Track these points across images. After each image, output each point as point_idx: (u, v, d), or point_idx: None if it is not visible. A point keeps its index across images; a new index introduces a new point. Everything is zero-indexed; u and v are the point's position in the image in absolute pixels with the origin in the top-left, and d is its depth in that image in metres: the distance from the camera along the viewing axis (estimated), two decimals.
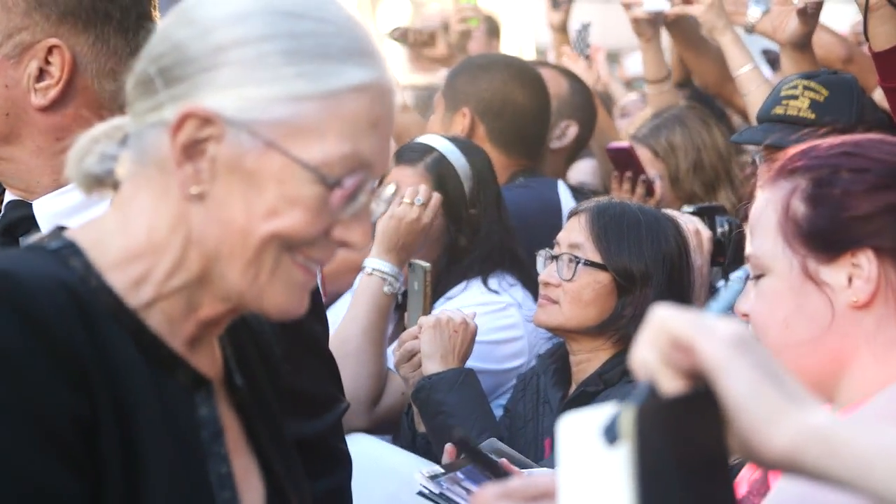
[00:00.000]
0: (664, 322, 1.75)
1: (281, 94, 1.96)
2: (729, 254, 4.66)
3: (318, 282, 2.87)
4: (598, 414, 1.72)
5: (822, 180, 2.46)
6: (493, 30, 8.84)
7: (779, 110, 4.46)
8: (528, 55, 11.69)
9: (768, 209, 2.49)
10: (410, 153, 4.79)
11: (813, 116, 4.32)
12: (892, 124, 4.35)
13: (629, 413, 1.66)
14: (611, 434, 1.67)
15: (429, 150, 4.78)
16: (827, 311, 2.43)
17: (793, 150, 2.55)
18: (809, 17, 4.62)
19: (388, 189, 2.11)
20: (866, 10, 3.85)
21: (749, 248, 2.52)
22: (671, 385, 1.73)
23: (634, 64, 8.77)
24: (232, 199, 1.98)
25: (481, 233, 4.68)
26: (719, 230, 4.76)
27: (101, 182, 2.12)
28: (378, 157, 2.03)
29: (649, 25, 5.89)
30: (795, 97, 4.41)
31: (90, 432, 1.90)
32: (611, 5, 7.63)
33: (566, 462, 1.74)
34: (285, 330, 2.65)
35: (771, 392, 1.72)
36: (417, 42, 7.37)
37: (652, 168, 5.47)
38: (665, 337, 1.74)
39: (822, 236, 2.43)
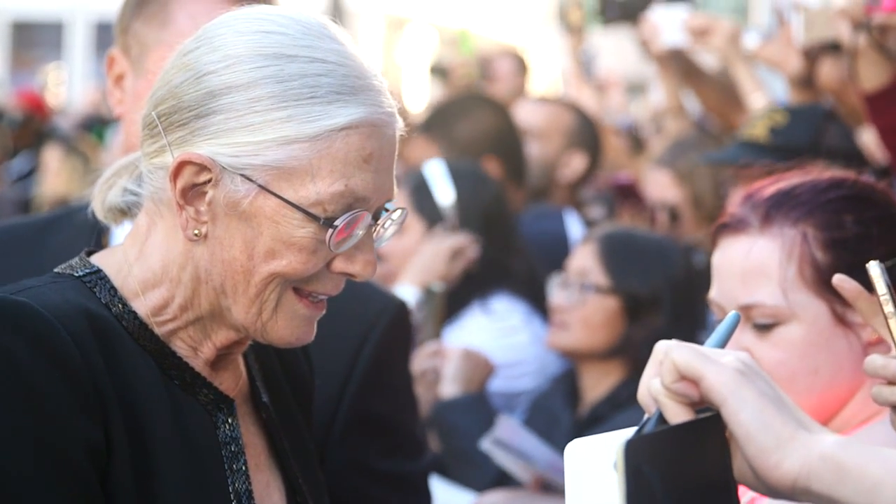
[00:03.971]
0: (669, 354, 1.76)
1: (271, 138, 2.01)
2: None
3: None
4: (605, 440, 1.77)
5: (828, 225, 2.51)
6: (521, 68, 9.02)
7: (743, 133, 4.55)
8: (554, 90, 11.88)
9: (773, 258, 2.50)
10: (404, 178, 4.79)
11: (768, 141, 4.43)
12: (858, 154, 4.41)
13: (621, 445, 1.67)
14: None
15: (415, 174, 4.80)
16: (852, 351, 2.49)
17: (765, 190, 2.57)
18: (809, 56, 4.72)
19: (398, 212, 2.13)
20: (854, 54, 3.90)
21: (749, 298, 2.51)
22: (677, 415, 1.76)
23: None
24: (232, 240, 2.04)
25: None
26: None
27: (125, 213, 2.20)
28: (374, 191, 2.06)
29: (670, 59, 6.01)
30: (759, 121, 4.52)
31: (104, 456, 1.97)
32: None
33: (573, 488, 1.78)
34: (394, 369, 2.84)
35: (778, 419, 1.72)
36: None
37: (673, 190, 5.45)
38: (671, 369, 1.76)
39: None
